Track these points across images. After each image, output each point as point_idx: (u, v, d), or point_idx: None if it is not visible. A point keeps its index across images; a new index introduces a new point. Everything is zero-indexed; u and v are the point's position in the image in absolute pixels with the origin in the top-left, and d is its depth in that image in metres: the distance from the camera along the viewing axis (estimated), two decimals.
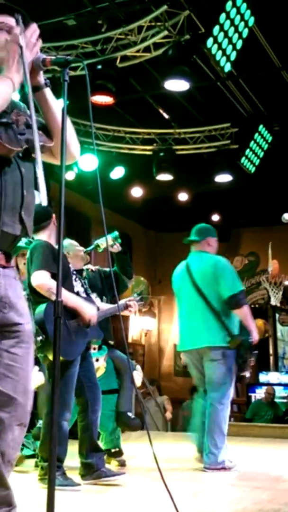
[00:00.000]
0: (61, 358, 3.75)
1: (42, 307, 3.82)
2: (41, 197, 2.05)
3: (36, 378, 4.62)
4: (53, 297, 3.76)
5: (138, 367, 5.52)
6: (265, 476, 4.70)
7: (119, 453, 5.01)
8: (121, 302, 4.79)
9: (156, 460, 2.19)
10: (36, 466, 4.26)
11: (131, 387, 5.00)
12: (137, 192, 11.01)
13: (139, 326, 13.57)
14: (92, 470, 4.00)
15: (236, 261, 14.00)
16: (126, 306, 4.74)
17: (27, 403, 2.19)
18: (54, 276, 3.86)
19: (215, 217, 12.71)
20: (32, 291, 3.93)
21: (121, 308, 4.71)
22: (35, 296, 3.91)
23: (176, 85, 7.23)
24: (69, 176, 8.91)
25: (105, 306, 4.70)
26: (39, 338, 3.77)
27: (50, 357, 3.80)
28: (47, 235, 4.09)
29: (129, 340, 12.96)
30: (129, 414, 4.93)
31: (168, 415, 10.75)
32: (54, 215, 4.18)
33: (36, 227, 3.99)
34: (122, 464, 4.92)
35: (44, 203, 2.06)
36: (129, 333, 12.91)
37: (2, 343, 2.14)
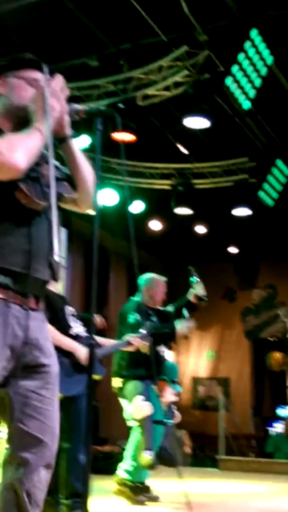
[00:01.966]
0: (61, 395, 3.85)
1: None
2: (54, 251, 2.14)
3: (143, 408, 4.76)
4: None
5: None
6: None
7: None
8: (126, 338, 4.85)
9: (188, 497, 2.22)
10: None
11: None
12: (156, 225, 11.12)
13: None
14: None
15: (254, 294, 14.02)
16: (129, 343, 4.78)
17: (54, 444, 2.23)
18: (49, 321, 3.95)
19: (233, 250, 12.78)
20: None
21: (124, 344, 4.77)
22: None
23: (196, 122, 7.37)
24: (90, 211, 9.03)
25: (108, 342, 4.75)
26: None
27: None
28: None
29: None
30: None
31: (187, 449, 10.68)
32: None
33: None
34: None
35: (57, 258, 2.14)
36: None
37: (30, 385, 2.19)
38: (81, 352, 4.06)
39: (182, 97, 7.38)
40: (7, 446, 2.19)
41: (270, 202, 9.94)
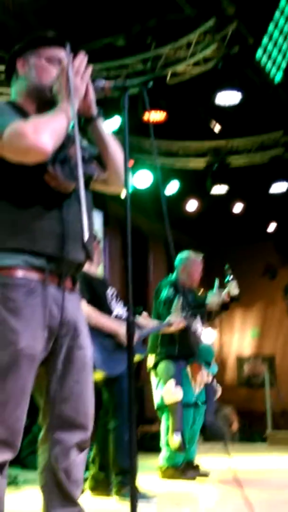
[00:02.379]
0: (100, 375, 3.87)
1: None
2: (84, 231, 2.12)
3: (176, 393, 4.79)
4: (90, 323, 3.96)
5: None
6: None
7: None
8: (167, 319, 4.85)
9: (235, 473, 2.20)
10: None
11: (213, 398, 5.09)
12: (192, 205, 11.03)
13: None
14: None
15: None
16: (170, 324, 4.75)
17: (88, 425, 2.24)
18: (89, 301, 4.00)
19: (272, 227, 12.61)
20: None
21: (165, 325, 4.78)
22: None
23: (227, 97, 7.25)
24: (123, 194, 9.01)
25: (149, 323, 4.73)
26: None
27: (97, 378, 3.88)
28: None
29: None
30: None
31: (235, 425, 10.68)
32: (98, 241, 4.30)
33: None
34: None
35: (86, 237, 2.12)
36: None
37: (67, 367, 2.20)
38: (124, 334, 4.06)
39: (212, 73, 7.25)
40: (41, 425, 2.21)
41: None
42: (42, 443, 2.22)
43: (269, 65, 6.83)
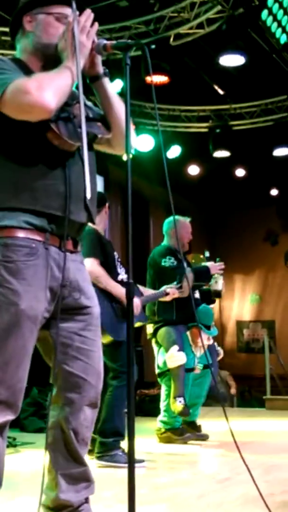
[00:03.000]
0: (110, 338, 3.90)
1: None
2: (86, 190, 2.10)
3: (178, 357, 4.86)
4: (99, 284, 3.96)
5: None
6: None
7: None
8: (162, 288, 4.89)
9: (233, 436, 2.22)
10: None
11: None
12: (194, 170, 10.96)
13: None
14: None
15: None
16: (166, 293, 4.82)
17: (98, 384, 2.26)
18: (101, 263, 4.00)
19: (274, 192, 12.55)
20: None
21: (162, 294, 4.83)
22: None
23: (231, 60, 7.13)
24: (125, 157, 8.95)
25: (148, 292, 4.78)
26: None
27: (103, 340, 3.89)
28: (97, 222, 4.16)
29: None
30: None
31: (233, 390, 10.80)
32: (107, 204, 4.30)
33: None
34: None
35: (88, 196, 2.10)
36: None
37: (73, 327, 2.21)
38: (123, 296, 4.08)
39: (216, 35, 7.11)
40: (52, 386, 2.23)
41: None
42: (54, 401, 2.24)
43: (274, 27, 6.70)
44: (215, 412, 7.66)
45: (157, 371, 5.21)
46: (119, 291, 4.04)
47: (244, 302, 14.27)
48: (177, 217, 5.35)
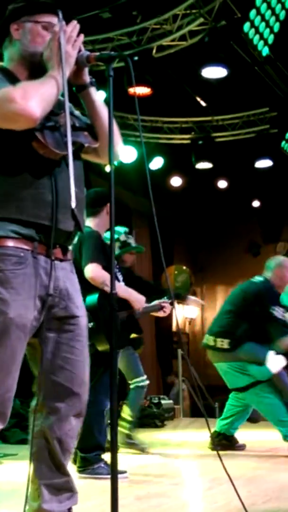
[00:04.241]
0: (107, 347, 3.85)
1: (95, 296, 3.88)
2: (71, 200, 2.09)
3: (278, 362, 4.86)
4: (106, 289, 3.87)
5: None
6: None
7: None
8: (155, 302, 4.81)
9: (217, 450, 2.22)
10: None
11: None
12: (176, 181, 11.01)
13: (182, 315, 13.61)
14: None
15: (278, 247, 13.91)
16: (161, 308, 4.68)
17: (84, 394, 2.25)
18: (104, 268, 3.92)
19: (256, 204, 12.64)
20: (81, 281, 3.97)
21: (157, 308, 4.74)
22: (83, 285, 3.96)
23: (214, 72, 7.20)
24: (108, 168, 8.98)
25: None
26: (90, 325, 3.84)
27: (99, 347, 3.86)
28: (96, 223, 4.11)
29: (173, 328, 13.01)
30: None
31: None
32: (108, 204, 4.18)
33: (89, 211, 4.03)
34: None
35: (73, 205, 2.09)
36: (173, 322, 12.96)
37: (61, 336, 2.20)
38: (137, 299, 4.08)
39: (199, 47, 7.18)
40: (35, 394, 2.21)
41: None
42: (38, 410, 2.21)
43: (256, 39, 6.78)
44: (197, 423, 7.67)
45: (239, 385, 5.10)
46: (126, 291, 4.00)
47: None
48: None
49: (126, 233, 5.30)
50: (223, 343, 5.07)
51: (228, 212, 13.03)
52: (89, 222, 4.14)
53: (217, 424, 5.30)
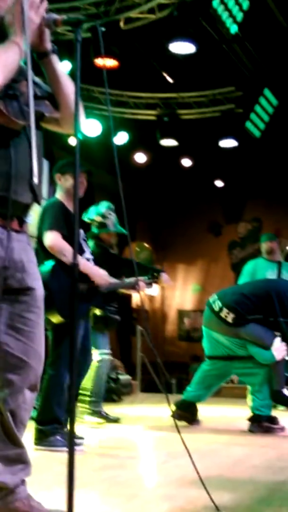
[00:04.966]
0: (60, 318, 3.82)
1: (49, 264, 3.84)
2: (33, 172, 2.04)
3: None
4: (64, 258, 3.81)
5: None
6: (271, 435, 4.80)
7: None
8: (131, 279, 4.76)
9: (176, 423, 2.22)
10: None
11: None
12: (141, 158, 10.95)
13: (142, 292, 13.63)
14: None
15: (240, 227, 14.02)
16: (134, 286, 4.66)
17: (39, 367, 2.22)
18: (65, 237, 3.87)
19: (219, 183, 12.68)
20: (41, 249, 3.93)
21: (129, 285, 4.69)
22: (42, 254, 3.92)
23: (181, 47, 7.13)
24: (72, 141, 8.86)
25: (110, 279, 4.64)
26: None
27: (53, 319, 3.84)
28: (65, 195, 4.07)
29: (133, 305, 13.03)
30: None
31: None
32: (84, 175, 4.12)
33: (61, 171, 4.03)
34: None
35: (36, 178, 2.05)
36: (133, 299, 12.97)
37: (14, 307, 2.17)
38: (98, 274, 4.04)
39: (167, 21, 7.10)
40: None
41: (257, 133, 9.80)
42: None
43: (225, 16, 6.73)
44: (154, 398, 7.73)
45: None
46: (87, 266, 3.96)
47: (186, 291, 14.40)
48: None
49: (110, 209, 5.24)
50: (228, 317, 5.01)
51: (191, 191, 13.05)
52: (57, 193, 4.11)
53: (185, 393, 5.32)
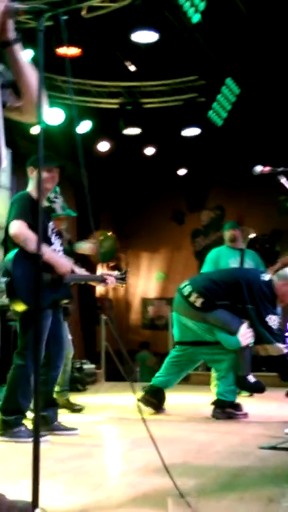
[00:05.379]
0: (25, 306, 3.80)
1: (13, 252, 3.84)
2: (1, 159, 2.04)
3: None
4: (27, 248, 3.81)
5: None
6: (235, 421, 4.87)
7: None
8: (100, 273, 4.75)
9: (140, 411, 2.25)
10: None
11: None
12: (104, 146, 10.91)
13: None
14: (46, 423, 4.05)
15: (203, 215, 14.11)
16: (103, 280, 4.54)
17: None
18: (30, 227, 3.86)
19: (182, 172, 12.73)
20: (9, 239, 3.94)
21: (98, 279, 4.65)
22: (10, 244, 3.92)
23: (144, 36, 7.12)
24: (35, 130, 8.78)
25: (80, 271, 4.55)
26: (4, 280, 3.81)
27: (17, 307, 3.84)
28: (32, 186, 4.09)
29: (96, 294, 13.03)
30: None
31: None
32: (57, 170, 4.13)
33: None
34: None
35: (3, 164, 2.04)
36: (96, 288, 12.96)
37: None
38: (62, 264, 4.02)
39: (129, 10, 7.07)
40: None
41: (219, 122, 9.86)
42: None
43: (187, 5, 6.73)
44: (118, 386, 7.76)
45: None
46: (51, 255, 3.96)
47: (149, 279, 14.45)
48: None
49: (56, 192, 5.20)
50: (197, 301, 5.08)
51: (154, 179, 13.07)
52: (28, 186, 4.13)
53: (153, 379, 5.38)
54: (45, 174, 3.98)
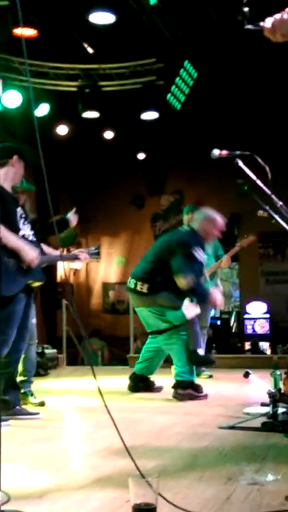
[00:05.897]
0: None
1: None
2: None
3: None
4: None
5: None
6: (194, 403, 4.94)
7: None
8: (72, 252, 4.72)
9: (101, 394, 2.26)
10: None
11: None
12: (62, 130, 10.81)
13: (67, 266, 13.58)
14: (8, 407, 4.06)
15: (163, 200, 14.14)
16: (75, 257, 4.55)
17: None
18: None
19: (141, 156, 12.71)
20: None
21: (71, 257, 4.62)
22: None
23: (101, 17, 7.05)
24: None
25: (53, 252, 4.54)
26: None
27: None
28: (2, 176, 4.08)
29: (58, 279, 12.97)
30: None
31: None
32: (16, 157, 4.14)
33: None
34: None
35: None
36: (57, 272, 12.91)
37: None
38: (27, 252, 3.99)
39: None
40: None
41: (177, 105, 9.86)
42: None
43: None
44: (80, 371, 7.77)
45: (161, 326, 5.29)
46: (16, 242, 3.93)
47: (110, 264, 14.44)
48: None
49: None
50: (143, 288, 5.28)
51: (114, 163, 13.02)
52: None
53: (135, 367, 5.66)
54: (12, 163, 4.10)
